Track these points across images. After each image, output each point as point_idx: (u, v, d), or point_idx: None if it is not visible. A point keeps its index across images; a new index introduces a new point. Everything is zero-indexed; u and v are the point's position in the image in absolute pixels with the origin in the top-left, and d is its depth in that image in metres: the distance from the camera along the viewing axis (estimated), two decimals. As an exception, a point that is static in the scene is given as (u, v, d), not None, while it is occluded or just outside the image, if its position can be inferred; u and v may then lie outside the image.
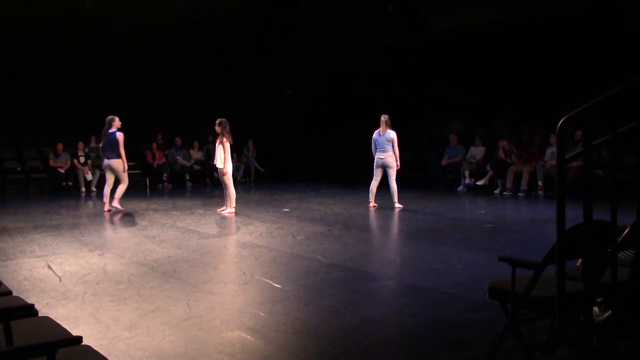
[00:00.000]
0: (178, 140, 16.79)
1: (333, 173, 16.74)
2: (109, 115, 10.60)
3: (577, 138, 11.57)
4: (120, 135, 10.35)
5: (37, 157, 15.78)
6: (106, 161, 10.48)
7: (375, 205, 10.57)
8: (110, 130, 10.41)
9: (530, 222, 9.61)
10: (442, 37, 15.69)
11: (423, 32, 16.05)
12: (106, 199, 10.56)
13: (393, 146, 10.39)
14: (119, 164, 10.38)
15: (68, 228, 8.67)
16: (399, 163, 10.48)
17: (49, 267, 6.01)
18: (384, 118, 10.43)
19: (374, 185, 10.63)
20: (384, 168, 10.45)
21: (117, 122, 10.44)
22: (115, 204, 10.42)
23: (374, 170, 10.59)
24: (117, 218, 9.83)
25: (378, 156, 10.50)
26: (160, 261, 6.28)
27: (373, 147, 10.60)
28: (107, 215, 10.27)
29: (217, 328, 4.10)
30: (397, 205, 10.44)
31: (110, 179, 10.56)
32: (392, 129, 10.43)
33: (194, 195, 13.95)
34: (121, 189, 10.47)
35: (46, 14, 15.29)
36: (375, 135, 10.54)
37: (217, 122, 9.89)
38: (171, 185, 15.85)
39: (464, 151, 14.37)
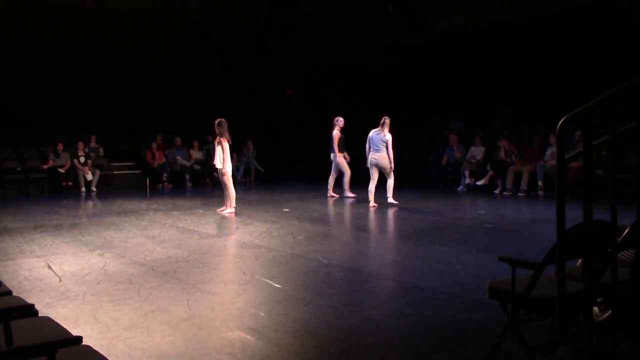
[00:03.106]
0: (178, 140, 16.79)
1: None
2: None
3: (577, 138, 11.57)
4: (334, 134, 11.92)
5: (37, 157, 15.78)
6: (331, 156, 12.22)
7: (375, 205, 10.59)
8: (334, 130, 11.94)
9: (530, 222, 9.61)
10: (442, 37, 15.69)
11: (423, 32, 16.04)
12: (330, 186, 12.33)
13: (387, 147, 10.59)
14: (335, 157, 12.01)
15: (68, 228, 8.67)
16: (392, 165, 10.70)
17: (49, 267, 6.01)
18: (386, 120, 10.63)
19: (372, 185, 10.75)
20: (379, 168, 10.68)
21: (339, 123, 11.94)
22: (348, 193, 12.05)
23: (370, 170, 10.79)
24: (119, 218, 9.80)
25: (372, 156, 10.71)
26: (160, 261, 6.28)
27: (367, 145, 10.80)
28: (330, 200, 11.98)
29: (217, 328, 4.10)
30: (389, 200, 10.70)
31: (335, 171, 12.30)
32: (390, 131, 10.65)
33: (194, 195, 13.96)
34: (345, 179, 12.12)
35: (46, 14, 15.28)
36: (371, 133, 10.72)
37: (216, 122, 9.91)
38: (171, 185, 15.85)
39: (464, 151, 14.38)
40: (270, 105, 18.73)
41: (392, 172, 10.76)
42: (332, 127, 12.06)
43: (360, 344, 3.80)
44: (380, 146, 10.57)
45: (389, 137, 10.57)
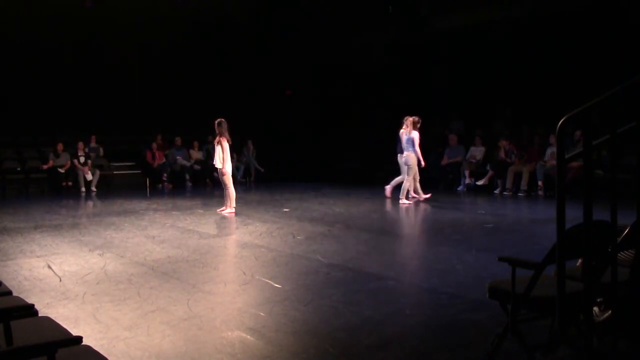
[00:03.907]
0: (178, 140, 16.79)
1: (333, 173, 16.74)
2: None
3: (577, 138, 11.57)
4: (400, 133, 11.21)
5: (37, 157, 15.78)
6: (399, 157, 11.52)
7: (428, 196, 11.31)
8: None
9: (530, 222, 9.61)
10: (442, 37, 15.69)
11: (423, 32, 16.05)
12: (418, 190, 11.51)
13: (413, 146, 10.93)
14: (401, 158, 11.35)
15: (68, 228, 8.66)
16: (422, 163, 11.12)
17: (49, 267, 6.01)
18: (406, 120, 11.07)
19: (406, 183, 11.14)
20: (406, 166, 11.12)
21: (406, 122, 11.14)
22: (388, 191, 11.57)
23: (401, 169, 11.36)
24: (119, 218, 9.80)
25: (402, 155, 11.22)
26: (160, 261, 6.28)
27: (398, 145, 11.31)
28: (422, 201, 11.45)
29: (217, 328, 4.10)
30: (402, 201, 10.98)
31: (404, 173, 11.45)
32: (416, 129, 11.07)
33: (194, 195, 13.96)
34: (398, 179, 11.51)
35: (46, 14, 15.29)
36: (400, 134, 11.21)
37: (216, 122, 9.91)
38: (171, 185, 15.85)
39: (464, 151, 14.37)
40: (270, 105, 18.74)
41: (408, 173, 11.05)
42: (401, 126, 11.27)
43: (360, 344, 3.80)
44: (408, 145, 11.01)
45: (414, 135, 10.95)
